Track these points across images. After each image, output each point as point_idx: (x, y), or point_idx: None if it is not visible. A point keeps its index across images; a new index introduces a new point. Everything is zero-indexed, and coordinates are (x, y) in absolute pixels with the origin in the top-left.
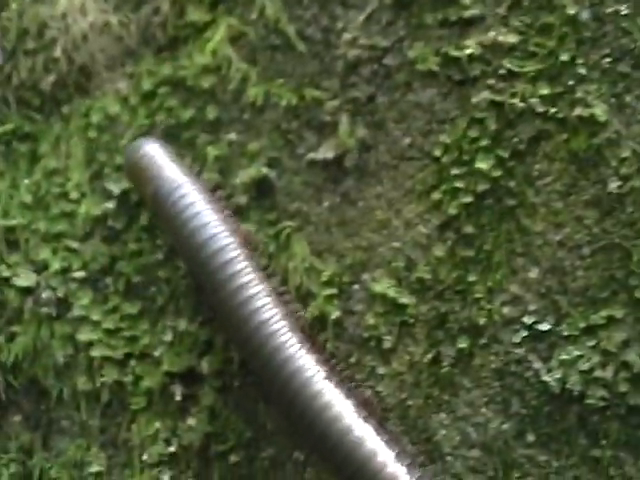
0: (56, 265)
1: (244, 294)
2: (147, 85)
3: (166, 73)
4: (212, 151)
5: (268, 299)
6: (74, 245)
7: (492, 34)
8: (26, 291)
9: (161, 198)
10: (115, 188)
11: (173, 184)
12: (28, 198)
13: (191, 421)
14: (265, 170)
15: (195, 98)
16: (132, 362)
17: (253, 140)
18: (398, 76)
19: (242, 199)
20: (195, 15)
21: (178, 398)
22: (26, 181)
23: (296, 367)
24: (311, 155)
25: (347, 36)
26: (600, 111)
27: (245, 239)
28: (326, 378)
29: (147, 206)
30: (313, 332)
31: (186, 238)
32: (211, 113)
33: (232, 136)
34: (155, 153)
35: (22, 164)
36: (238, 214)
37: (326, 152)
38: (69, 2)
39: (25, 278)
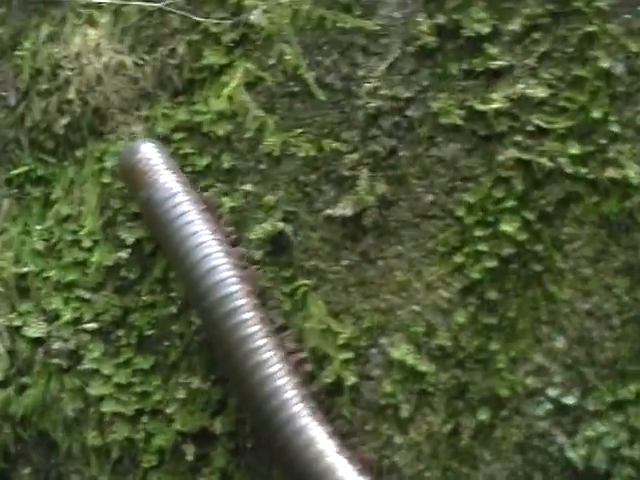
0: (67, 315)
1: (237, 320)
2: (162, 130)
3: (182, 118)
4: (227, 202)
5: (257, 327)
6: (86, 295)
7: (520, 87)
8: (37, 341)
9: (154, 205)
10: (129, 237)
11: (168, 192)
12: (40, 245)
13: None
14: (281, 225)
15: (211, 145)
16: (143, 418)
17: (269, 192)
18: (421, 129)
19: (257, 254)
20: (212, 58)
21: (190, 458)
22: (38, 227)
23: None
24: (329, 211)
25: (368, 86)
26: (633, 173)
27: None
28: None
29: (139, 209)
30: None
31: (177, 250)
32: (227, 162)
33: (248, 187)
34: (152, 156)
35: (35, 208)
36: (253, 266)
37: (345, 208)
38: (83, 42)
39: (36, 328)
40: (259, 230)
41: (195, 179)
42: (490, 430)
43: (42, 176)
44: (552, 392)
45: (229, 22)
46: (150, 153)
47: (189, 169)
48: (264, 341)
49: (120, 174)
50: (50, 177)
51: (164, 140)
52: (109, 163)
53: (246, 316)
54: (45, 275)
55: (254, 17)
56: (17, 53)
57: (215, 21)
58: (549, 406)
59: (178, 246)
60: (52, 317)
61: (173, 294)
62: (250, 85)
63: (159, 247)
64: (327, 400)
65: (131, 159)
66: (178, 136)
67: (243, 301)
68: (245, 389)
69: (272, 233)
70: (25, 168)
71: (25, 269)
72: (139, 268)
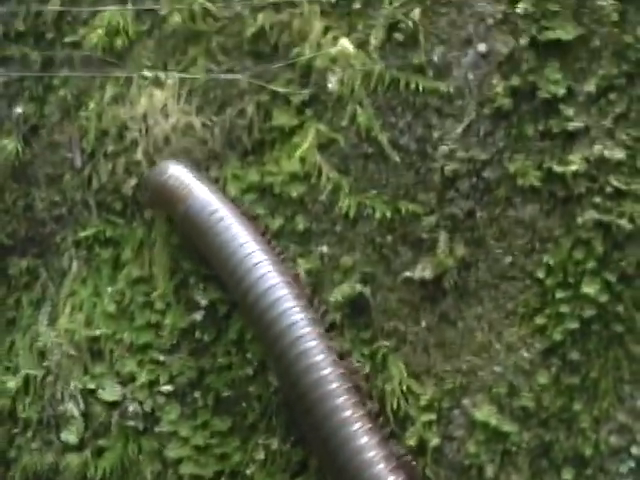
0: (142, 378)
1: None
2: (233, 191)
3: (252, 179)
4: (303, 264)
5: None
6: (161, 357)
7: (597, 148)
8: (112, 404)
9: (194, 217)
10: (202, 299)
11: (206, 205)
12: (112, 307)
13: None
14: (359, 286)
15: (283, 207)
16: None
17: (346, 254)
18: (498, 191)
19: (335, 316)
20: (282, 119)
21: None
22: (109, 289)
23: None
24: (408, 273)
25: (444, 148)
26: None
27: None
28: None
29: (176, 227)
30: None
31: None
32: (301, 223)
33: (324, 249)
34: (182, 173)
35: (105, 270)
36: (332, 329)
37: (424, 271)
38: (150, 103)
39: (111, 392)
40: (337, 293)
41: (269, 241)
42: None
43: (111, 238)
44: (635, 450)
45: (307, 92)
46: (179, 171)
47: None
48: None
49: (151, 196)
50: (119, 239)
51: (235, 201)
52: None
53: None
54: (118, 337)
55: (331, 85)
56: (82, 114)
57: (296, 92)
58: (632, 464)
59: (237, 273)
60: (127, 380)
61: (249, 355)
62: (322, 146)
63: (204, 254)
64: (414, 462)
65: (159, 178)
66: (250, 197)
67: (322, 356)
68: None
69: (350, 295)
70: (93, 230)
71: (97, 332)
72: (214, 330)
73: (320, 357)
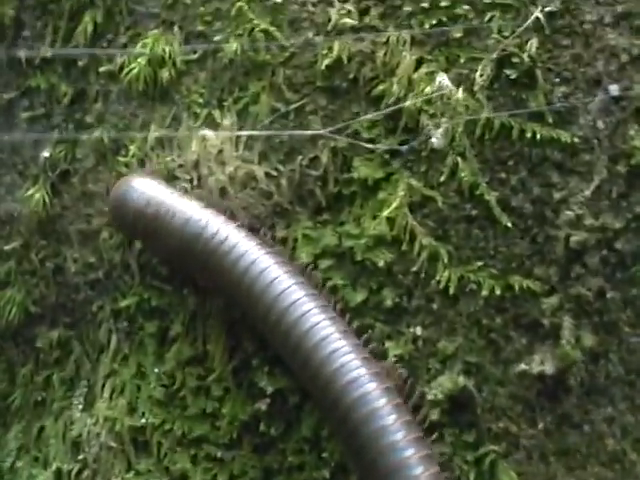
0: (197, 477)
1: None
2: (304, 255)
3: (328, 242)
4: (392, 347)
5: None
6: (218, 453)
7: None
8: None
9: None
10: (268, 385)
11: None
12: (159, 392)
13: None
14: (462, 379)
15: (367, 277)
16: None
17: (445, 337)
18: (634, 267)
19: (433, 414)
20: (364, 170)
21: None
22: (156, 370)
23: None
24: (524, 366)
25: (568, 213)
26: None
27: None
28: None
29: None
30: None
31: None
32: (389, 298)
33: (417, 330)
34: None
35: (150, 347)
36: (428, 430)
37: (544, 364)
38: (202, 149)
39: None
40: (435, 386)
41: (348, 316)
42: None
43: (157, 308)
44: None
45: (405, 148)
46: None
47: (340, 305)
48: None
49: (122, 227)
50: (167, 309)
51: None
52: None
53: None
54: (167, 428)
55: (437, 140)
56: (120, 159)
57: (384, 147)
58: None
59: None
60: (177, 478)
61: (325, 455)
62: (415, 205)
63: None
64: None
65: (129, 203)
66: (324, 263)
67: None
68: None
69: (451, 389)
70: (136, 298)
71: (142, 421)
72: (282, 423)
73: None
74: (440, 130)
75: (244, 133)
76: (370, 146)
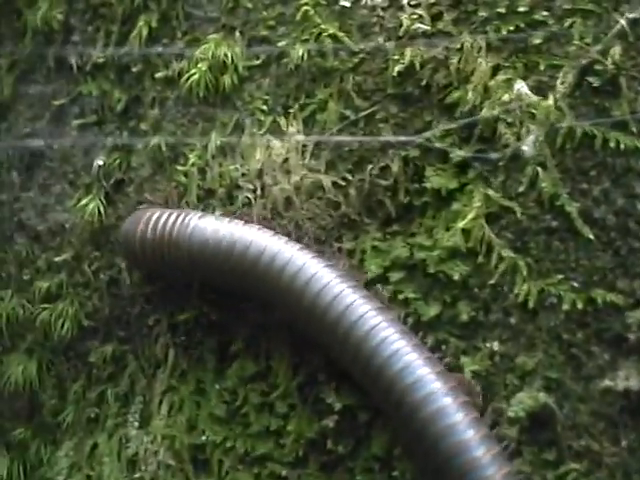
0: None
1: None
2: (374, 267)
3: (398, 254)
4: (467, 363)
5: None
6: (283, 471)
7: None
8: None
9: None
10: (335, 402)
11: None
12: (220, 409)
13: None
14: (543, 395)
15: (440, 290)
16: None
17: (524, 353)
18: None
19: (512, 431)
20: (436, 180)
21: None
22: (216, 386)
23: None
24: (608, 382)
25: None
26: None
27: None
28: None
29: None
30: None
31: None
32: (465, 312)
33: (495, 345)
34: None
35: (210, 362)
36: (508, 452)
37: (628, 379)
38: (266, 157)
39: None
40: (515, 402)
41: (420, 330)
42: None
43: (217, 322)
44: None
45: (495, 157)
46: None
47: (412, 319)
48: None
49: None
50: (227, 323)
51: (376, 280)
52: None
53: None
54: (228, 446)
55: (527, 149)
56: (179, 168)
57: (483, 156)
58: None
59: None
60: None
61: (396, 474)
62: (492, 217)
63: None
64: None
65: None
66: (395, 276)
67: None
68: None
69: (531, 407)
70: (195, 311)
71: (202, 438)
72: (350, 440)
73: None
74: (531, 137)
75: (320, 138)
76: (460, 153)
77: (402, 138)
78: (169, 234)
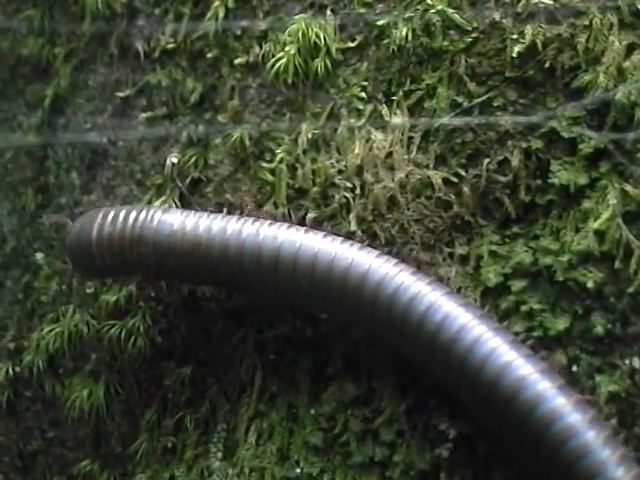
0: None
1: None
2: (492, 275)
3: (520, 259)
4: (603, 382)
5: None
6: None
7: None
8: None
9: None
10: (449, 429)
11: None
12: (317, 437)
13: None
14: None
15: (570, 300)
16: None
17: None
18: None
19: None
20: (564, 175)
21: None
22: (312, 411)
23: None
24: None
25: None
26: None
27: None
28: None
29: None
30: None
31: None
32: (599, 325)
33: (635, 362)
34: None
35: (303, 385)
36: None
37: None
38: (367, 151)
39: None
40: None
41: (546, 346)
42: None
43: (312, 338)
44: None
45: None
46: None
47: (537, 333)
48: None
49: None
50: (323, 340)
51: (495, 290)
52: None
53: None
54: (326, 479)
55: None
56: (265, 165)
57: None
58: None
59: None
60: None
61: None
62: (631, 216)
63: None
64: None
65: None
66: (518, 285)
67: None
68: None
69: None
70: (286, 327)
71: (296, 470)
72: (468, 471)
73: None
74: None
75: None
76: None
77: (522, 119)
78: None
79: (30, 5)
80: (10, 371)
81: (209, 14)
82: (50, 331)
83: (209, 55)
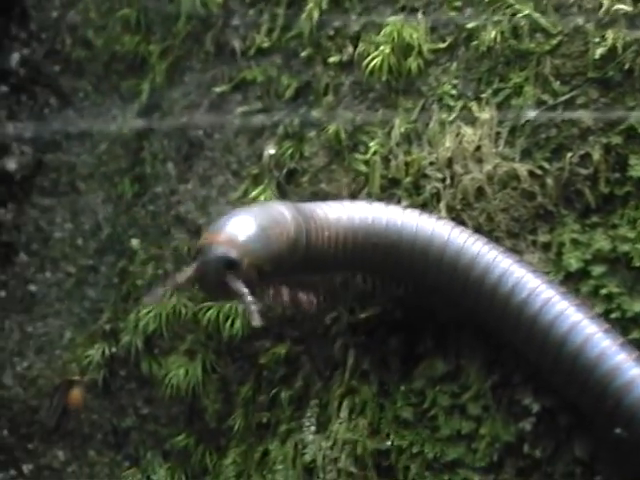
0: None
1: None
2: (573, 261)
3: (600, 246)
4: None
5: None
6: (475, 477)
7: None
8: None
9: None
10: (533, 403)
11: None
12: (407, 411)
13: None
14: None
15: None
16: None
17: None
18: None
19: None
20: None
21: None
22: (402, 387)
23: None
24: None
25: None
26: None
27: None
28: None
29: None
30: None
31: None
32: None
33: None
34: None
35: (394, 363)
36: None
37: None
38: (457, 145)
39: None
40: None
41: (623, 326)
42: None
43: (402, 320)
44: None
45: None
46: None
47: (615, 315)
48: None
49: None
50: (413, 322)
51: (576, 275)
52: None
53: None
54: (415, 451)
55: None
56: (359, 157)
57: None
58: None
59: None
60: None
61: (598, 478)
62: None
63: None
64: None
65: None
66: (597, 270)
67: None
68: None
69: None
70: (377, 309)
71: (387, 443)
72: (550, 444)
73: None
74: None
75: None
76: None
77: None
78: None
79: (124, 4)
80: (107, 351)
81: (303, 15)
82: (147, 313)
83: (303, 54)
